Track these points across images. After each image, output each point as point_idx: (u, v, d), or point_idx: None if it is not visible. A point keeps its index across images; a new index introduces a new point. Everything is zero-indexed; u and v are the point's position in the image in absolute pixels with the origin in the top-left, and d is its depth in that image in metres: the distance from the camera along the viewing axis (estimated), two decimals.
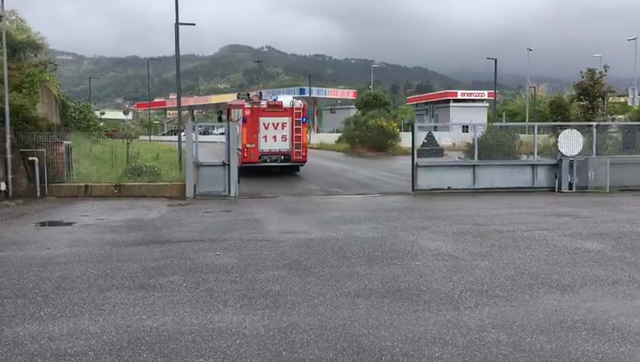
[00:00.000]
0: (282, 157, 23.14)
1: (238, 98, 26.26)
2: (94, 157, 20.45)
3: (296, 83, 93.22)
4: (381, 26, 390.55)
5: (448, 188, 18.87)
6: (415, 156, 18.94)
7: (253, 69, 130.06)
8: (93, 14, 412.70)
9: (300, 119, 23.31)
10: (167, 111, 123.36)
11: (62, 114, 30.80)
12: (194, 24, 30.87)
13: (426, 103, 72.82)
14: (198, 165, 17.88)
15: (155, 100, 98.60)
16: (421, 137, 21.34)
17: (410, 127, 28.95)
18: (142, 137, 55.79)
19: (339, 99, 77.95)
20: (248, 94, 24.57)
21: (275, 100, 23.97)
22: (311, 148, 45.58)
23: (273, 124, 22.83)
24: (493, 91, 49.45)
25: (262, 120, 22.63)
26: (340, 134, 45.55)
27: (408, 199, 17.05)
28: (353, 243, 9.88)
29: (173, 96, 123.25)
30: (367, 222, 12.35)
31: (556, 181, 19.01)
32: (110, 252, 9.19)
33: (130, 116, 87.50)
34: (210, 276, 7.64)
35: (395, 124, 40.88)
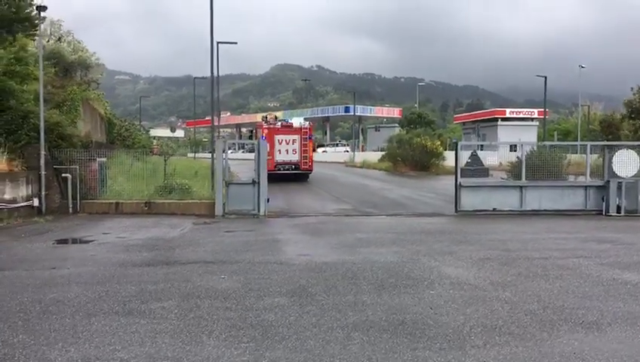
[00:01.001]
0: (293, 166, 28.76)
1: (262, 120, 32.97)
2: (133, 175, 20.50)
3: (344, 101, 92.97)
4: (431, 43, 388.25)
5: (494, 209, 17.97)
6: (458, 176, 18.14)
7: (302, 87, 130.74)
8: (149, 35, 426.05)
9: (307, 137, 29.36)
10: (220, 130, 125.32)
11: (108, 131, 31.49)
12: (236, 42, 31.21)
13: (474, 122, 71.28)
14: (228, 183, 17.69)
15: (206, 118, 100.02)
16: (465, 156, 20.65)
17: (454, 144, 28.08)
18: (189, 154, 56.74)
19: (384, 117, 77.43)
20: (266, 117, 31.59)
21: (287, 122, 30.88)
22: (353, 166, 46.13)
23: (285, 141, 28.73)
24: (544, 110, 47.84)
25: (277, 137, 28.28)
26: (383, 153, 44.95)
27: (442, 221, 16.31)
28: (369, 268, 9.29)
29: (224, 114, 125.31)
30: (391, 245, 11.72)
31: (603, 204, 17.87)
32: (114, 273, 8.89)
33: (180, 134, 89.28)
34: (206, 302, 7.20)
35: (439, 143, 40.02)
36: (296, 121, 30.65)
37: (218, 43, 29.75)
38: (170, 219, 16.23)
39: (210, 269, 9.18)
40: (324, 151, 64.33)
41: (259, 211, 17.34)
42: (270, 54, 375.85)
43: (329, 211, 18.49)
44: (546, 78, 42.73)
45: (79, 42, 38.81)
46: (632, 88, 24.45)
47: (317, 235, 13.16)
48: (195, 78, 50.83)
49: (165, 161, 22.98)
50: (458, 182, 18.09)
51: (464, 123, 75.07)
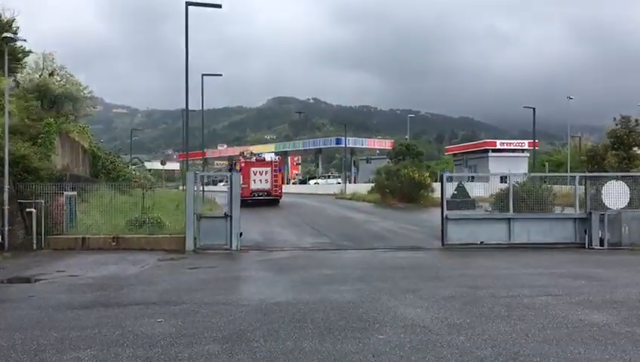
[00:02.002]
0: (265, 193, 33.96)
1: (240, 155, 39.41)
2: (112, 208, 19.88)
3: (340, 133, 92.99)
4: (427, 76, 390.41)
5: (481, 242, 17.31)
6: (444, 208, 17.47)
7: (298, 120, 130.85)
8: (148, 69, 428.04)
9: (277, 169, 35.61)
10: (215, 162, 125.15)
11: (92, 164, 30.97)
12: (220, 75, 31.23)
13: (464, 153, 71.08)
14: (200, 217, 17.13)
15: (198, 151, 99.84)
16: (451, 188, 20.07)
17: (439, 176, 27.42)
18: (181, 187, 56.36)
19: (377, 149, 77.18)
20: (243, 153, 38.85)
21: (260, 156, 37.86)
22: (343, 198, 45.71)
23: (259, 172, 34.34)
24: (533, 141, 47.52)
25: (252, 169, 34.00)
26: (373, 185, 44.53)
27: (419, 255, 15.67)
28: (322, 308, 8.64)
29: (221, 146, 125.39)
30: (355, 282, 11.07)
31: (586, 236, 17.26)
32: (43, 317, 8.23)
33: (175, 166, 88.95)
34: (127, 351, 6.54)
35: (427, 175, 39.51)
36: (268, 156, 37.92)
37: (203, 75, 29.57)
38: (137, 254, 15.60)
39: (149, 312, 8.52)
40: (316, 183, 63.98)
41: (231, 246, 16.76)
42: (267, 87, 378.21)
43: (305, 245, 17.90)
44: (534, 109, 42.49)
45: (71, 75, 38.66)
46: (614, 118, 24.02)
47: (282, 272, 12.52)
48: (183, 110, 51.12)
49: (144, 193, 22.47)
50: (444, 215, 17.44)
51: (455, 154, 74.80)
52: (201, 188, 20.37)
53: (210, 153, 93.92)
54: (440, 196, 18.30)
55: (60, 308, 8.82)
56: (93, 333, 7.29)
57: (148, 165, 60.61)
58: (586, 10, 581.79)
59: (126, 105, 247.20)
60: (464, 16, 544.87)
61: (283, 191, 37.65)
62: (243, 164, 34.80)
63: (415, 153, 45.81)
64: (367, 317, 8.14)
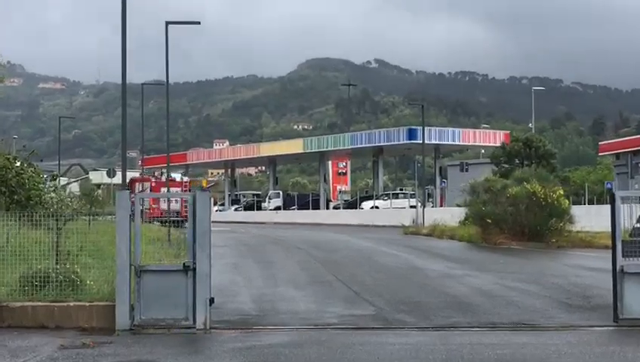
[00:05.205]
0: (176, 213, 43.54)
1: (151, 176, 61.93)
2: (11, 255, 19.40)
3: (419, 121, 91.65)
4: (569, 26, 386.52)
5: None
6: (618, 253, 16.18)
7: (350, 97, 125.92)
8: (93, 21, 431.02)
9: (187, 190, 53.50)
10: (210, 171, 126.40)
11: None
12: (198, 23, 30.56)
13: (636, 153, 69.25)
14: (140, 270, 16.32)
15: (182, 152, 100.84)
16: (632, 215, 18.55)
17: (608, 195, 24.61)
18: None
19: (481, 146, 75.85)
20: (154, 173, 61.73)
21: (171, 177, 54.69)
22: (415, 233, 45.32)
23: (167, 191, 48.39)
24: None
25: (162, 189, 49.10)
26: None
27: (546, 344, 14.46)
28: None
29: (220, 143, 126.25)
30: None
31: None
32: None
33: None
34: None
35: (561, 192, 38.27)
36: (178, 177, 62.17)
37: (168, 24, 29.22)
38: (26, 338, 15.03)
39: None
40: (373, 208, 63.18)
41: (194, 321, 15.95)
42: (296, 44, 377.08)
43: (327, 319, 17.18)
44: None
45: None
46: None
47: None
48: (143, 84, 52.72)
49: (58, 229, 21.77)
50: (618, 266, 16.10)
51: (618, 155, 72.94)
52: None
53: (195, 156, 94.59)
54: (605, 230, 17.21)
55: None
56: None
57: (95, 176, 63.71)
58: None
59: (62, 76, 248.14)
60: None
61: (318, 221, 54.97)
62: (154, 184, 56.43)
63: (541, 154, 44.53)
64: None
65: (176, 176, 58.89)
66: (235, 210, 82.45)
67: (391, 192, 72.00)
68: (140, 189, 51.59)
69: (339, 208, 70.28)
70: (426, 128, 58.95)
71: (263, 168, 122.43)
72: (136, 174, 79.20)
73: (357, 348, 14.06)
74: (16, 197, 30.34)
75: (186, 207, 43.34)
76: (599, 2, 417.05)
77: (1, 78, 44.81)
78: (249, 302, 19.43)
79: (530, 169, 40.22)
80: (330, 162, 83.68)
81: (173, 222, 38.66)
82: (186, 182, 58.45)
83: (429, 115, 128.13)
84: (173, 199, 47.47)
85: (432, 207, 59.72)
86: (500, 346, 14.02)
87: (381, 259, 30.74)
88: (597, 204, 57.85)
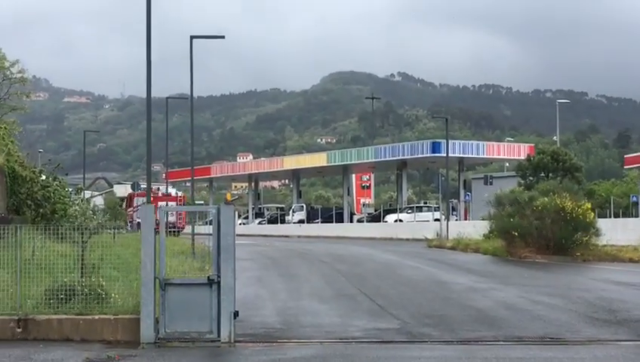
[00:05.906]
0: (171, 225, 45.26)
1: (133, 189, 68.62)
2: (37, 267, 19.49)
3: (442, 134, 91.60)
4: (594, 38, 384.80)
5: None
6: None
7: (374, 110, 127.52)
8: (118, 37, 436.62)
9: (182, 204, 63.51)
10: (234, 184, 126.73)
11: (10, 191, 30.82)
12: (222, 37, 30.69)
13: None
14: (165, 283, 16.33)
15: (206, 166, 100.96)
16: None
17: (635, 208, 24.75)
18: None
19: (506, 160, 75.49)
20: (152, 188, 55.08)
21: (167, 192, 65.44)
22: (439, 246, 45.09)
23: (166, 205, 47.98)
24: None
25: (159, 203, 45.68)
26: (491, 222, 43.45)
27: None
28: None
29: (244, 156, 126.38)
30: None
31: None
32: None
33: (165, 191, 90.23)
34: None
35: (588, 206, 37.92)
36: (173, 192, 70.66)
37: (192, 38, 29.33)
38: (52, 351, 15.05)
39: None
40: (397, 221, 62.95)
41: (219, 334, 15.93)
42: (320, 58, 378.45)
43: (352, 333, 17.09)
44: None
45: None
46: None
47: None
48: (167, 98, 52.53)
49: (83, 242, 21.85)
50: None
51: None
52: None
53: (218, 169, 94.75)
54: (621, 243, 17.20)
55: None
56: None
57: (119, 190, 64.57)
58: None
59: (87, 90, 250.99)
60: None
61: (341, 234, 64.91)
62: (152, 198, 60.12)
63: (568, 167, 44.24)
64: None
65: (172, 190, 66.25)
66: (259, 223, 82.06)
67: (415, 205, 71.52)
68: (139, 203, 54.09)
69: (362, 221, 69.94)
70: (449, 141, 58.51)
71: (287, 181, 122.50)
72: (161, 187, 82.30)
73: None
74: (41, 210, 30.62)
75: (180, 219, 50.96)
76: (624, 15, 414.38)
77: (28, 93, 45.48)
78: (273, 315, 19.35)
79: (556, 181, 39.87)
80: (353, 175, 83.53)
81: (171, 233, 43.04)
82: (180, 196, 67.78)
83: (453, 128, 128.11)
84: (169, 213, 50.71)
85: (456, 220, 59.24)
86: (526, 360, 13.97)
87: (405, 272, 30.53)
88: (622, 217, 57.55)
